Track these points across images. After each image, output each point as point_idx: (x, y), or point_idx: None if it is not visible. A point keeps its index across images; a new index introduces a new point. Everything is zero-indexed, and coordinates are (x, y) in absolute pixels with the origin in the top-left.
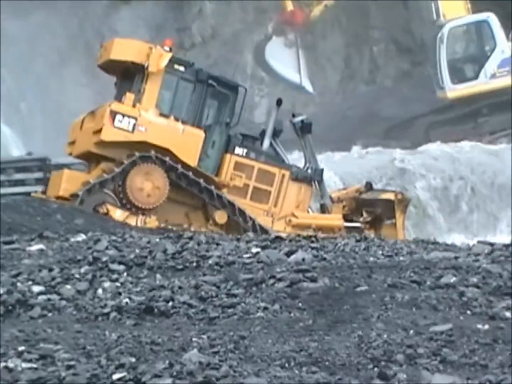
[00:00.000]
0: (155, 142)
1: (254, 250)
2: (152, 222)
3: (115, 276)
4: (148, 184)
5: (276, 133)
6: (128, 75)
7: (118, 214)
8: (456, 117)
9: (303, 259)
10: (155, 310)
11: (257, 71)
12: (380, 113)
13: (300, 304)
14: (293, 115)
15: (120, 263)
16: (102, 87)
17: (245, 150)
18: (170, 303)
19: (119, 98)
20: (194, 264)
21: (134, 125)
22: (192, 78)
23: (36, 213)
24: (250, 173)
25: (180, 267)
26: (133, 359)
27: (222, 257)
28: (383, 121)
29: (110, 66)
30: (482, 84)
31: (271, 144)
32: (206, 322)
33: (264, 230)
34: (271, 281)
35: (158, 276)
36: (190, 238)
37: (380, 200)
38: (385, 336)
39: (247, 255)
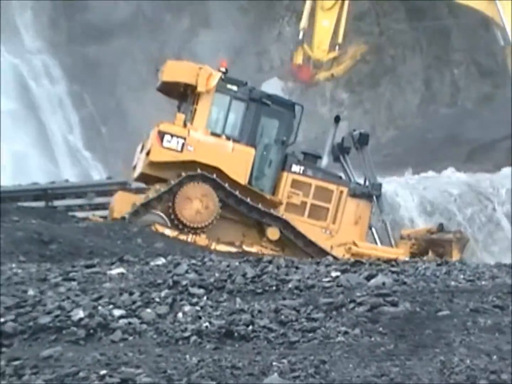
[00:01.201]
0: (204, 160)
1: (333, 274)
2: (202, 240)
3: (195, 300)
4: (197, 202)
5: (344, 150)
6: (184, 97)
7: (166, 233)
8: None
9: (384, 283)
10: (235, 334)
11: (336, 93)
12: (462, 136)
13: (381, 329)
14: (354, 130)
15: (200, 286)
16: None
17: (302, 168)
18: (250, 327)
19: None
20: (274, 287)
21: (183, 144)
22: (245, 97)
23: (117, 237)
24: (308, 191)
25: (259, 290)
26: (214, 383)
27: (301, 281)
28: (464, 144)
29: (167, 89)
30: None
31: (339, 161)
32: (287, 346)
33: (322, 251)
34: (351, 305)
35: (238, 299)
36: (270, 262)
37: (444, 240)
38: (468, 361)
39: (327, 279)
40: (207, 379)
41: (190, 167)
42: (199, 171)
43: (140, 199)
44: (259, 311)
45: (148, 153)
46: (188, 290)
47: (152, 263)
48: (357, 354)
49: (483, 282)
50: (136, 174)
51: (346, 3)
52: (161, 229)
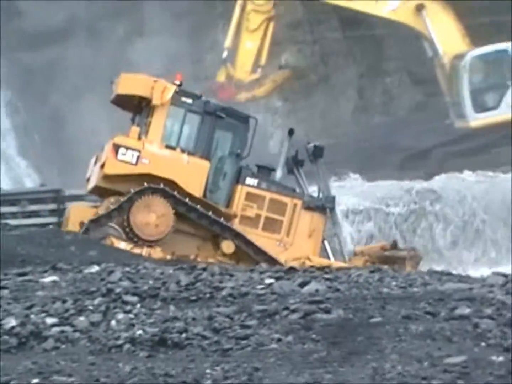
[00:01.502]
0: (159, 173)
1: (267, 281)
2: (157, 253)
3: (128, 307)
4: (152, 215)
5: (299, 163)
6: (139, 110)
7: (122, 246)
8: (471, 147)
9: (317, 290)
10: (169, 341)
11: (270, 102)
12: (395, 144)
13: (314, 336)
14: (308, 142)
15: (133, 294)
16: (119, 121)
17: (257, 181)
18: (184, 335)
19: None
20: (208, 295)
21: (138, 157)
22: (200, 110)
23: (50, 245)
24: (262, 203)
25: (193, 298)
26: None
27: (235, 288)
28: (397, 152)
29: (121, 101)
30: (504, 113)
31: (293, 174)
32: (220, 353)
33: (275, 262)
34: (285, 312)
35: (171, 307)
36: (204, 269)
37: (398, 258)
38: (399, 367)
39: (261, 286)
40: None
41: (145, 180)
42: (152, 184)
43: (94, 212)
44: (193, 319)
45: (102, 166)
46: (122, 298)
47: (85, 271)
48: (290, 361)
49: (415, 289)
50: (90, 186)
51: (271, 25)
52: (116, 242)
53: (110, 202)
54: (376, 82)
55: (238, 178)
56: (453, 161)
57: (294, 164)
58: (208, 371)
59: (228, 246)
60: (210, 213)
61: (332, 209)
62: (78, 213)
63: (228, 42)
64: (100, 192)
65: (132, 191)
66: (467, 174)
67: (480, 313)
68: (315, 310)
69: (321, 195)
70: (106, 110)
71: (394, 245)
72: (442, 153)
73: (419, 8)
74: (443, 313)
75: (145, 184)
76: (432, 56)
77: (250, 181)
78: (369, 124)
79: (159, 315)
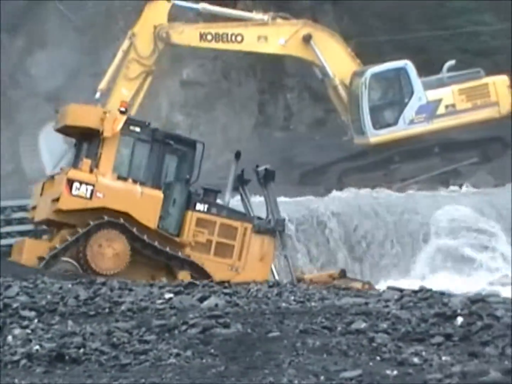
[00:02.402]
0: (114, 207)
1: (167, 295)
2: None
3: (25, 322)
4: (108, 249)
5: (244, 182)
6: (86, 138)
7: None
8: (368, 164)
9: (216, 305)
10: (66, 357)
11: (172, 115)
12: (295, 159)
13: (212, 350)
14: (257, 166)
15: (31, 309)
16: (17, 132)
17: (206, 206)
18: (82, 350)
19: (78, 159)
20: (107, 310)
21: (92, 191)
22: (149, 138)
23: None
24: (212, 229)
25: (92, 313)
26: None
27: (135, 303)
28: (297, 167)
29: (68, 131)
30: (402, 130)
31: (238, 192)
32: (118, 369)
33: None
34: (184, 327)
35: (70, 322)
36: (103, 284)
37: (348, 288)
38: (296, 382)
39: (160, 301)
40: None
41: (100, 213)
42: (106, 218)
43: (52, 245)
44: (91, 334)
45: (55, 200)
46: (19, 313)
47: None
48: (188, 376)
49: (313, 304)
50: (39, 217)
51: (149, 79)
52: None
53: (63, 236)
54: (277, 97)
55: (188, 204)
56: (351, 177)
57: (239, 182)
58: None
59: (184, 276)
60: (167, 249)
61: (282, 232)
62: (34, 248)
63: (103, 84)
64: (50, 225)
65: (91, 223)
66: (365, 191)
67: (376, 328)
68: (214, 325)
69: (270, 218)
70: (4, 122)
71: (343, 274)
72: (341, 169)
73: (307, 38)
74: (340, 327)
75: (105, 218)
76: (322, 78)
77: (200, 206)
78: (269, 139)
79: (57, 330)
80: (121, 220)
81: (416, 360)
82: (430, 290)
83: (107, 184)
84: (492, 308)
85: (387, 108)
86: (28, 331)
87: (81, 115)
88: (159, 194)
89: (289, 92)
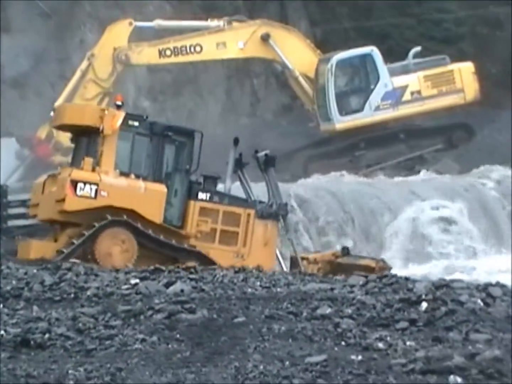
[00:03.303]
0: (119, 204)
1: (133, 281)
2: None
3: None
4: (116, 248)
5: (242, 165)
6: (84, 136)
7: None
8: (334, 150)
9: (182, 290)
10: (32, 342)
11: (138, 101)
12: (261, 146)
13: (178, 336)
14: (256, 151)
15: None
16: None
17: (208, 195)
18: (47, 335)
19: (77, 157)
20: (72, 295)
21: (96, 190)
22: (147, 131)
23: None
24: (216, 217)
25: (57, 298)
26: None
27: (100, 288)
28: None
29: (65, 128)
30: (368, 116)
31: (239, 178)
32: (83, 354)
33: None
34: (150, 312)
35: (35, 307)
36: (69, 269)
37: (358, 266)
38: (261, 367)
39: (126, 286)
40: None
41: (104, 210)
42: (110, 218)
43: (59, 245)
44: (57, 319)
45: (59, 201)
46: None
47: None
48: (154, 361)
49: (279, 289)
50: (42, 216)
51: (106, 100)
52: None
53: (69, 236)
54: (244, 83)
55: (190, 194)
56: (317, 163)
57: (238, 167)
58: (70, 371)
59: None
60: (172, 241)
61: (285, 216)
62: (40, 249)
63: (59, 102)
64: (53, 223)
65: (96, 225)
66: (331, 176)
67: (341, 313)
68: (179, 310)
69: (272, 202)
70: None
71: (346, 252)
72: (307, 155)
73: (265, 37)
74: (305, 313)
75: (108, 217)
76: (282, 70)
77: (202, 195)
78: (236, 125)
79: (22, 316)
80: (124, 217)
81: (380, 345)
82: (395, 275)
83: (111, 183)
84: (456, 294)
85: (353, 94)
86: None
87: (79, 113)
88: (162, 188)
89: (255, 78)
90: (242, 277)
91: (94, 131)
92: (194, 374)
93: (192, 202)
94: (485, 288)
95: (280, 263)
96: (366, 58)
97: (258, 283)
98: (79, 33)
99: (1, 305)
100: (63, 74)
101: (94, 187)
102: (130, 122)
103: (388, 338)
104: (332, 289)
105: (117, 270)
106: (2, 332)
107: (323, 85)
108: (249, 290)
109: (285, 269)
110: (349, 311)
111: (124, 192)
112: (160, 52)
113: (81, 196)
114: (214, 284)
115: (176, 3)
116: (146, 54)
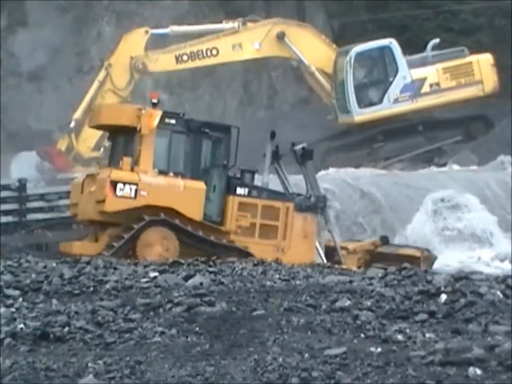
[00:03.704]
0: (158, 203)
1: (152, 274)
2: None
3: (10, 301)
4: (158, 247)
5: (279, 157)
6: (122, 134)
7: None
8: (352, 143)
9: (201, 284)
10: (51, 335)
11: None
12: (278, 138)
13: (197, 329)
14: (293, 144)
15: (15, 288)
16: None
17: (247, 189)
18: (66, 329)
19: (114, 156)
20: (91, 289)
21: (136, 190)
22: (184, 129)
23: None
24: (255, 211)
25: (77, 292)
26: None
27: (119, 282)
28: (280, 146)
29: (102, 128)
30: (386, 108)
31: (276, 170)
32: (103, 347)
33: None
34: (169, 305)
35: (54, 301)
36: (88, 263)
37: (401, 256)
38: (280, 359)
39: (145, 280)
40: (20, 382)
41: (145, 210)
42: (148, 218)
43: (101, 246)
44: (76, 312)
45: (100, 201)
46: (3, 292)
47: None
48: (173, 354)
49: (298, 282)
50: (82, 217)
51: None
52: None
53: (110, 236)
54: (261, 76)
55: (228, 190)
56: (335, 155)
57: (275, 159)
58: (90, 364)
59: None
60: (212, 238)
61: (324, 208)
62: (82, 249)
63: (78, 114)
64: (93, 223)
65: (135, 227)
66: (349, 169)
67: (360, 305)
68: (198, 303)
69: (310, 195)
70: None
71: (386, 241)
72: (325, 148)
73: (281, 36)
74: (324, 305)
75: (146, 217)
76: (297, 65)
77: (240, 190)
78: (254, 118)
79: (41, 309)
80: (162, 216)
81: (400, 337)
82: (413, 268)
83: (150, 182)
84: (476, 286)
85: (372, 86)
86: (13, 309)
87: (116, 113)
88: (201, 185)
89: (273, 70)
90: (261, 270)
91: (131, 131)
92: (213, 367)
93: (231, 197)
94: (504, 279)
95: (320, 255)
96: (385, 50)
97: (277, 276)
98: (96, 27)
99: (21, 299)
100: (80, 68)
101: (133, 187)
102: (167, 120)
103: (407, 330)
104: (351, 281)
105: (136, 264)
106: (22, 325)
107: (342, 78)
108: (268, 283)
109: (324, 261)
110: (368, 303)
111: (163, 191)
112: (177, 58)
113: (121, 197)
114: (233, 277)
115: None
116: (163, 61)
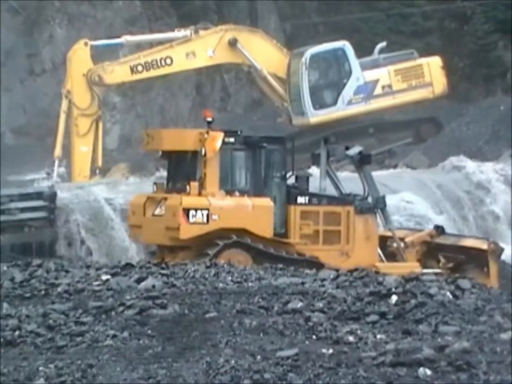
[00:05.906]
0: (230, 225)
1: (104, 277)
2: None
3: None
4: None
5: (329, 162)
6: (182, 158)
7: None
8: (303, 145)
9: (153, 286)
10: (1, 339)
11: (108, 97)
12: None
13: (149, 331)
14: (347, 148)
15: None
16: None
17: (307, 198)
18: (17, 332)
19: (174, 179)
20: (43, 292)
21: (208, 215)
22: (243, 146)
23: None
24: (317, 219)
25: (28, 295)
26: None
27: (71, 285)
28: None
29: (164, 155)
30: (341, 110)
31: (327, 173)
32: (54, 351)
33: None
34: (121, 308)
35: (5, 304)
36: (39, 266)
37: (464, 247)
38: (232, 362)
39: (97, 283)
40: None
41: (216, 232)
42: (227, 241)
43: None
44: (27, 316)
45: (171, 229)
46: None
47: None
48: (125, 357)
49: (250, 284)
50: (148, 239)
51: (100, 124)
52: None
53: (183, 259)
54: (214, 78)
55: (288, 199)
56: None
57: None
58: (41, 368)
59: None
60: (283, 253)
61: (384, 209)
62: None
63: (57, 151)
64: (161, 246)
65: (210, 253)
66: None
67: (312, 307)
68: (151, 306)
69: (368, 196)
70: None
71: (442, 231)
72: None
73: (233, 42)
74: (277, 307)
75: (219, 242)
76: (248, 69)
77: (301, 199)
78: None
79: None
80: (235, 238)
81: (351, 338)
82: (365, 269)
83: (220, 205)
84: (426, 287)
85: (326, 88)
86: None
87: (178, 138)
88: (269, 202)
89: (225, 73)
90: (214, 272)
91: (194, 154)
92: (165, 370)
93: (292, 207)
94: (454, 280)
95: (379, 255)
96: (339, 52)
97: (229, 278)
98: (48, 29)
99: None
100: (32, 70)
101: (205, 212)
102: (227, 139)
103: (359, 331)
104: (303, 283)
105: (87, 266)
106: None
107: (297, 79)
108: (221, 285)
109: (384, 260)
110: (320, 304)
111: (233, 212)
112: (131, 69)
113: (194, 223)
114: (185, 279)
115: None
116: (119, 73)
